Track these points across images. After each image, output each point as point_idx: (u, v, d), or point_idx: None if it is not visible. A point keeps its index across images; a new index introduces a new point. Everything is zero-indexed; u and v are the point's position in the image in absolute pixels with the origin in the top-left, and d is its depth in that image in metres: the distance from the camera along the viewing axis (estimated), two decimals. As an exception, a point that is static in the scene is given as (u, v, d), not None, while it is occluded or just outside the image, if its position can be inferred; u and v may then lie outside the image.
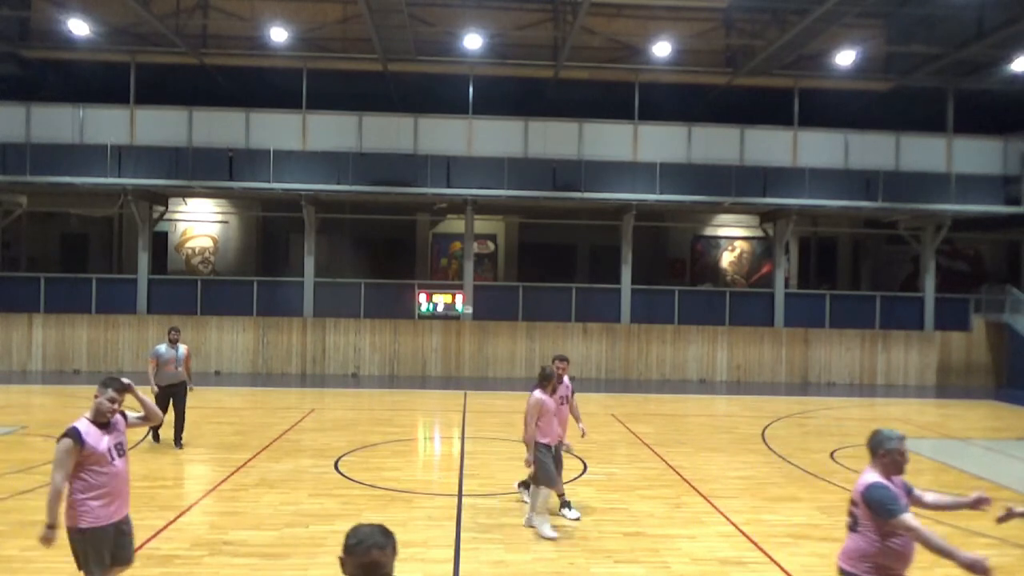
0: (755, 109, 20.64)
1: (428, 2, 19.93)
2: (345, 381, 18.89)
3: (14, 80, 20.80)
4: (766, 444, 12.16)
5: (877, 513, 3.88)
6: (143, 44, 19.57)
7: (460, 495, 8.68)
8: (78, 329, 19.54)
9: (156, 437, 10.88)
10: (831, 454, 11.39)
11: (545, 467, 7.30)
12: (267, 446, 10.97)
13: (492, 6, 20.49)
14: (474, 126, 19.63)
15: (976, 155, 20.32)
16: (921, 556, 6.64)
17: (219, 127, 19.21)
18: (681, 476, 9.85)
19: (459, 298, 20.03)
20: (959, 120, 20.33)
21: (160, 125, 19.20)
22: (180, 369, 10.74)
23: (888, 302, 21.24)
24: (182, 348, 10.82)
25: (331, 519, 7.62)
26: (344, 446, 11.12)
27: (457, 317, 20.05)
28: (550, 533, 7.18)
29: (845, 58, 18.43)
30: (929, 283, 21.10)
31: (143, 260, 19.83)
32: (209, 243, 24.07)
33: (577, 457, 10.28)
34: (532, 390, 7.61)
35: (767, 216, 21.61)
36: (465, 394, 16.94)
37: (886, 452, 4.03)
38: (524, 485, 8.20)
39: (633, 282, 20.63)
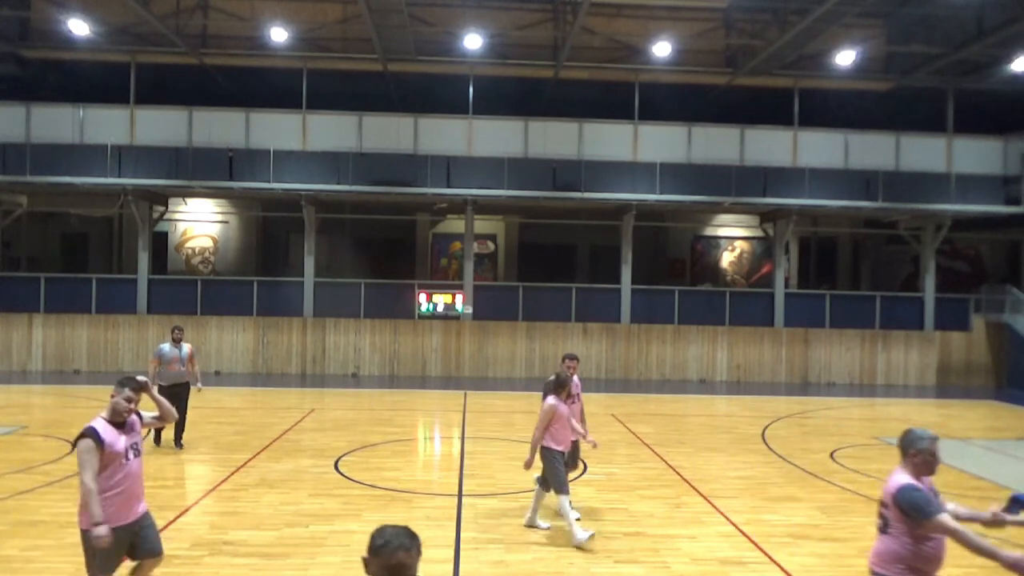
0: (755, 109, 20.64)
1: (428, 2, 19.93)
2: (345, 381, 18.89)
3: (14, 80, 20.80)
4: (766, 444, 12.16)
5: (911, 515, 3.79)
6: (143, 44, 19.57)
7: (460, 495, 8.68)
8: (78, 329, 19.54)
9: (158, 439, 10.74)
10: (831, 454, 11.39)
11: (559, 475, 7.12)
12: (267, 446, 10.97)
13: (492, 6, 20.49)
14: (474, 126, 19.63)
15: (976, 155, 20.32)
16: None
17: (219, 127, 19.22)
18: (681, 476, 9.85)
19: (459, 298, 20.03)
20: (959, 120, 20.33)
21: (160, 125, 19.20)
22: (183, 369, 10.72)
23: (888, 302, 21.24)
24: (185, 347, 10.80)
25: (331, 519, 7.62)
26: (344, 446, 11.12)
27: (457, 317, 20.05)
28: (582, 535, 6.93)
29: (845, 58, 18.43)
30: (929, 283, 21.10)
31: (143, 260, 19.83)
32: (209, 243, 24.07)
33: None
34: (544, 395, 7.52)
35: (767, 216, 21.61)
36: (465, 394, 16.94)
37: (917, 452, 3.94)
38: (543, 483, 8.08)
39: (633, 282, 20.63)
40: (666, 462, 10.64)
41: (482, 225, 23.47)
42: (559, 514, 7.69)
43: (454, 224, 23.46)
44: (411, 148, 19.43)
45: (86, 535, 4.60)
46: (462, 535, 7.26)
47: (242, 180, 19.02)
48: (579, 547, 6.90)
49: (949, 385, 20.84)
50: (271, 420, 13.12)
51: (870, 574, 4.04)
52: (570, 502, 7.94)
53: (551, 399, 7.30)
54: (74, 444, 4.57)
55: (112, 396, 4.70)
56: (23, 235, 22.79)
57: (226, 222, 24.10)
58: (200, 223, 23.95)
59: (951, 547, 3.87)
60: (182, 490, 8.87)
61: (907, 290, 23.49)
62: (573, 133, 19.70)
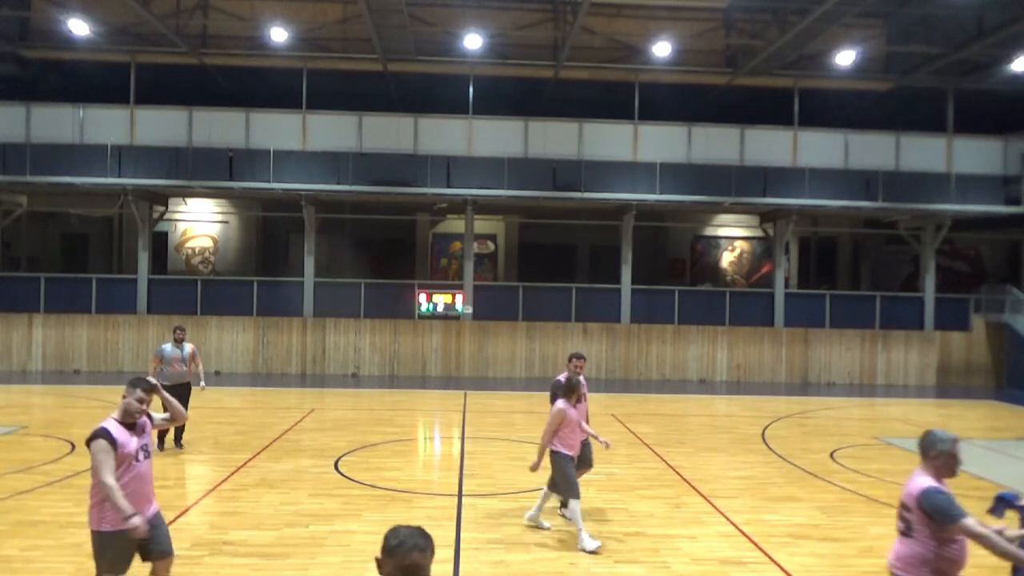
0: (755, 109, 20.64)
1: (428, 2, 19.93)
2: (345, 381, 18.89)
3: (14, 80, 20.80)
4: (766, 444, 12.16)
5: (937, 519, 3.73)
6: (143, 44, 19.58)
7: (460, 495, 8.68)
8: (78, 329, 19.54)
9: (161, 444, 10.54)
10: (831, 454, 11.38)
11: (570, 479, 7.03)
12: (267, 446, 10.97)
13: (492, 6, 20.49)
14: (474, 126, 19.63)
15: (976, 155, 20.32)
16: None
17: (219, 127, 19.22)
18: (681, 476, 9.85)
19: (459, 298, 20.03)
20: (959, 120, 20.33)
21: (160, 125, 19.20)
22: (185, 369, 10.71)
23: (888, 302, 21.24)
24: (187, 347, 10.78)
25: (331, 519, 7.62)
26: (344, 446, 11.12)
27: (457, 317, 20.05)
28: (591, 545, 6.86)
29: (845, 58, 18.43)
30: (929, 283, 21.10)
31: (143, 260, 19.83)
32: (209, 243, 24.07)
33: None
34: (551, 397, 7.45)
35: (767, 216, 21.61)
36: (465, 394, 16.94)
37: (939, 454, 3.87)
38: (553, 485, 8.04)
39: (633, 282, 20.63)
40: (666, 462, 10.64)
41: (482, 225, 23.47)
42: (569, 518, 7.70)
43: (454, 224, 23.47)
44: (411, 148, 19.44)
45: (97, 536, 4.55)
46: (462, 535, 7.25)
47: (242, 180, 19.02)
48: (582, 550, 6.90)
49: (949, 385, 20.84)
50: (271, 420, 13.12)
51: None
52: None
53: (560, 403, 7.18)
54: (87, 445, 4.54)
55: (123, 397, 4.67)
56: (23, 235, 22.79)
57: (226, 222, 24.11)
58: (200, 223, 23.96)
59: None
60: (182, 490, 8.87)
61: (907, 290, 23.49)
62: (573, 133, 19.70)
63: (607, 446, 7.60)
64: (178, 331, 10.89)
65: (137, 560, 4.81)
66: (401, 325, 20.05)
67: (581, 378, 7.76)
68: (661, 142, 19.83)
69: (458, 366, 20.13)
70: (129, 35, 19.69)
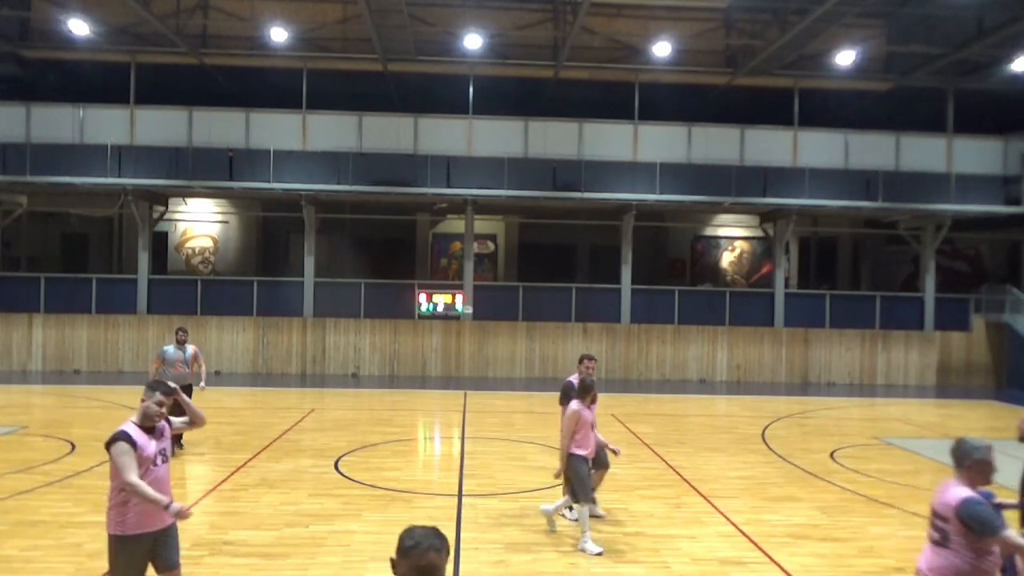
0: (755, 109, 20.65)
1: (428, 2, 19.93)
2: (345, 381, 18.89)
3: (14, 80, 20.80)
4: (766, 444, 12.16)
5: (976, 530, 3.67)
6: (143, 44, 19.58)
7: (460, 495, 8.68)
8: (78, 329, 19.54)
9: (179, 443, 10.48)
10: (831, 454, 11.38)
11: (584, 481, 6.99)
12: (267, 446, 10.97)
13: (492, 6, 20.49)
14: (474, 126, 19.63)
15: (976, 155, 20.32)
16: (918, 555, 6.63)
17: (219, 127, 19.22)
18: (681, 476, 9.85)
19: (459, 298, 20.03)
20: (959, 120, 20.33)
21: (160, 125, 19.20)
22: (187, 371, 10.67)
23: (888, 302, 21.24)
24: (190, 348, 10.75)
25: (331, 519, 7.62)
26: (344, 446, 11.12)
27: (457, 317, 20.05)
28: (593, 549, 6.84)
29: (845, 58, 18.43)
30: (929, 283, 21.10)
31: (143, 260, 19.82)
32: (209, 243, 24.07)
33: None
34: (562, 399, 7.39)
35: (767, 216, 21.61)
36: (465, 394, 16.94)
37: (974, 463, 3.84)
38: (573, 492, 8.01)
39: (633, 282, 20.62)
40: (666, 462, 10.64)
41: (482, 225, 23.47)
42: (573, 520, 7.70)
43: (454, 224, 23.46)
44: (411, 148, 19.44)
45: (115, 540, 4.51)
46: (462, 535, 7.25)
47: (242, 180, 19.02)
48: (582, 551, 6.90)
49: (949, 385, 20.83)
50: (271, 420, 13.12)
51: None
52: (572, 506, 7.96)
53: (575, 404, 7.10)
54: (107, 448, 4.50)
55: (142, 400, 4.63)
56: (23, 235, 22.79)
57: (226, 222, 24.11)
58: (200, 223, 23.96)
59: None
60: (182, 490, 8.86)
61: (907, 290, 23.49)
62: (573, 133, 19.70)
63: (616, 453, 7.61)
64: (180, 332, 10.85)
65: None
66: (401, 325, 20.05)
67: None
68: (661, 142, 19.83)
69: (458, 366, 20.12)
70: (129, 35, 19.69)
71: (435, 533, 2.40)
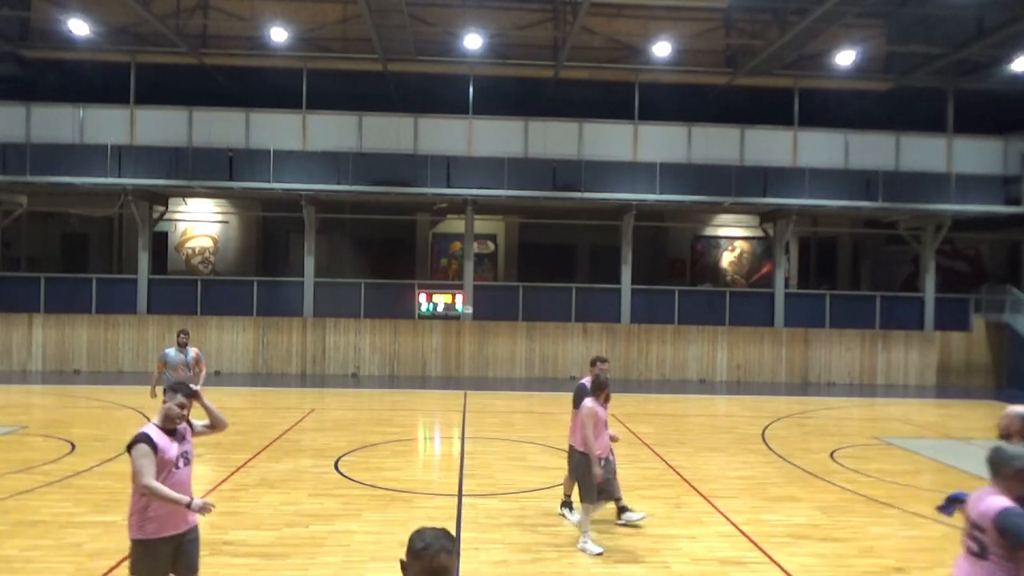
0: (755, 109, 20.64)
1: (428, 2, 19.93)
2: (345, 381, 18.89)
3: (14, 80, 20.80)
4: (766, 444, 12.16)
5: (1012, 541, 3.57)
6: (143, 44, 19.58)
7: (460, 495, 8.68)
8: (78, 329, 19.54)
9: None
10: (831, 454, 11.38)
11: (591, 484, 6.97)
12: (267, 446, 10.97)
13: (492, 6, 20.49)
14: (474, 126, 19.63)
15: (976, 155, 20.32)
16: (918, 555, 6.62)
17: (219, 127, 19.22)
18: (681, 476, 9.85)
19: (459, 298, 20.03)
20: (959, 120, 20.33)
21: (160, 125, 19.20)
22: (189, 374, 10.61)
23: (888, 302, 21.24)
24: (191, 351, 10.70)
25: (331, 519, 7.62)
26: (344, 446, 11.12)
27: (457, 317, 20.05)
28: (593, 549, 6.84)
29: (845, 58, 18.43)
30: (929, 283, 21.10)
31: (143, 260, 19.82)
32: (209, 243, 24.07)
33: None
34: (575, 398, 7.36)
35: (767, 216, 21.61)
36: (465, 394, 16.94)
37: (1015, 472, 3.74)
38: (567, 505, 7.95)
39: (633, 282, 20.62)
40: (666, 462, 10.64)
41: (482, 225, 23.47)
42: (572, 520, 7.71)
43: (454, 224, 23.46)
44: (411, 148, 19.44)
45: (137, 544, 4.46)
46: (462, 535, 7.25)
47: (242, 180, 19.02)
48: (582, 551, 6.90)
49: (949, 385, 20.83)
50: (271, 420, 13.12)
51: None
52: (571, 504, 7.97)
53: (589, 402, 7.07)
54: (128, 451, 4.46)
55: (164, 402, 4.59)
56: (23, 235, 22.79)
57: (226, 222, 24.11)
58: (200, 223, 23.96)
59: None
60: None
61: (907, 290, 23.49)
62: (573, 133, 19.70)
63: (614, 439, 7.57)
64: (182, 335, 10.77)
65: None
66: (401, 325, 20.05)
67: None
68: (661, 142, 19.83)
69: (458, 366, 20.12)
70: (129, 35, 19.69)
71: (445, 535, 2.39)
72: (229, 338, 19.77)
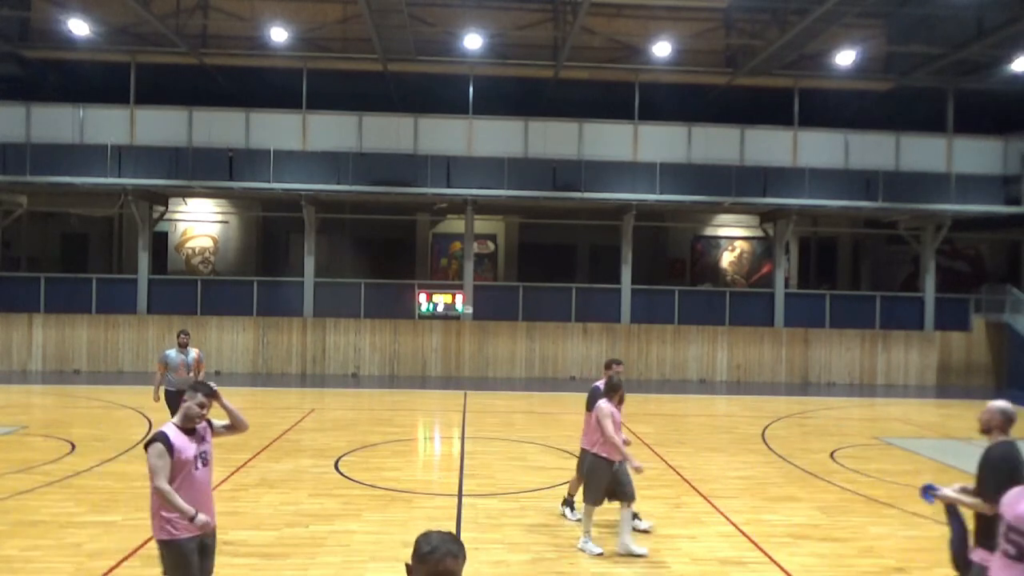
0: (755, 109, 20.64)
1: (428, 2, 19.93)
2: (345, 381, 18.89)
3: (14, 80, 20.80)
4: (766, 444, 12.16)
5: None
6: (143, 44, 19.57)
7: (460, 495, 8.69)
8: (78, 329, 19.53)
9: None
10: (831, 454, 11.38)
11: (600, 486, 6.91)
12: (267, 446, 10.98)
13: (492, 6, 20.49)
14: (474, 126, 19.63)
15: (976, 155, 20.32)
16: (918, 555, 6.63)
17: (219, 127, 19.22)
18: (681, 476, 9.86)
19: (459, 298, 20.03)
20: (959, 120, 20.33)
21: (160, 125, 19.20)
22: (190, 375, 10.57)
23: (888, 302, 21.24)
24: (192, 352, 10.64)
25: (331, 519, 7.62)
26: (344, 446, 11.12)
27: (457, 317, 20.05)
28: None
29: (845, 58, 18.42)
30: (929, 283, 21.10)
31: (143, 260, 19.82)
32: (209, 243, 24.07)
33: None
34: (589, 400, 7.35)
35: (767, 216, 21.61)
36: (465, 394, 16.94)
37: None
38: (568, 504, 7.94)
39: (633, 282, 20.62)
40: (666, 462, 10.64)
41: (482, 225, 23.47)
42: (572, 519, 7.70)
43: (454, 224, 23.46)
44: (411, 148, 19.43)
45: (161, 545, 4.44)
46: (462, 535, 7.25)
47: (242, 180, 19.01)
48: (582, 551, 6.90)
49: (949, 385, 20.83)
50: (271, 420, 13.12)
51: None
52: (572, 504, 7.97)
53: (603, 402, 7.01)
54: (145, 449, 4.45)
55: (183, 401, 4.55)
56: (23, 235, 22.78)
57: (226, 222, 24.11)
58: (200, 223, 23.96)
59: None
60: (182, 490, 8.86)
61: (907, 290, 23.49)
62: (573, 133, 19.70)
63: (627, 443, 7.46)
64: (182, 336, 10.67)
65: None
66: (401, 325, 20.05)
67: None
68: (661, 142, 19.83)
69: (458, 366, 20.12)
70: (129, 35, 19.69)
71: (452, 539, 2.37)
72: (229, 338, 19.77)
